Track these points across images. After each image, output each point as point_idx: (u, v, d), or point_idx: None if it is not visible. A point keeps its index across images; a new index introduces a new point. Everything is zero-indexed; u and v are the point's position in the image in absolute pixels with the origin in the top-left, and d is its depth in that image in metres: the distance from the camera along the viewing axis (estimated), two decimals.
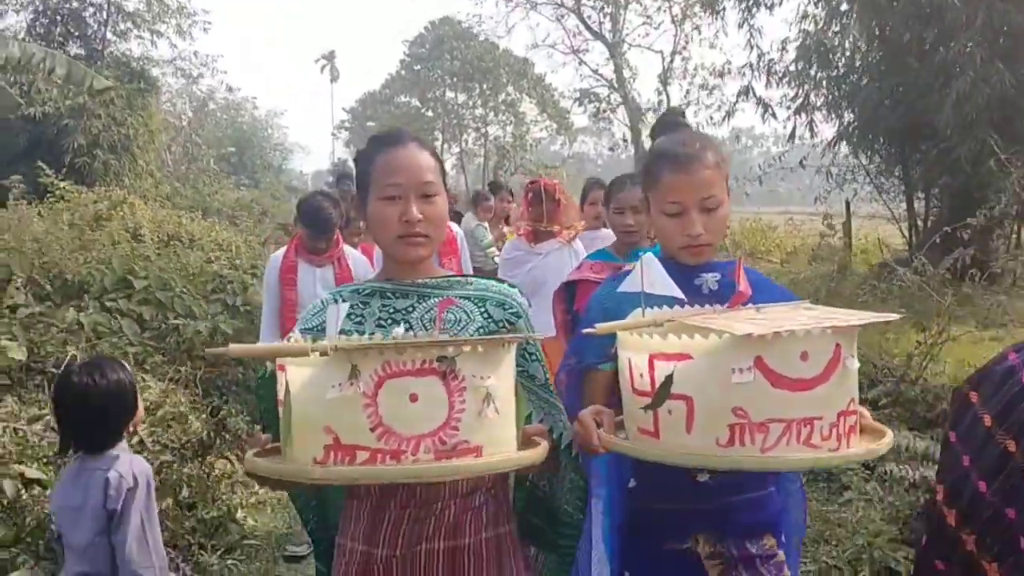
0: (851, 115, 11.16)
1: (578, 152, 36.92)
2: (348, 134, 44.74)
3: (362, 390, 1.40)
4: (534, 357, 1.94)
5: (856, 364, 1.55)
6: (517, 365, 1.73)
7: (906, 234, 11.59)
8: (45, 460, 4.11)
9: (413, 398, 1.42)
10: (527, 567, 1.88)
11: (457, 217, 7.66)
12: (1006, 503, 1.40)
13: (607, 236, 5.02)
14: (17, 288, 5.81)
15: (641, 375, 1.59)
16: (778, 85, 11.67)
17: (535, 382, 1.94)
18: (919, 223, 11.49)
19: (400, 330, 1.67)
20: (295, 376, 1.46)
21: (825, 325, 1.48)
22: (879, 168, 11.55)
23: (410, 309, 1.83)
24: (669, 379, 1.52)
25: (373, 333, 1.77)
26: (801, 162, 12.27)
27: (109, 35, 17.21)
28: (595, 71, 21.43)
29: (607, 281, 2.18)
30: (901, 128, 10.56)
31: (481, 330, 1.84)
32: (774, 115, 11.99)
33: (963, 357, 5.94)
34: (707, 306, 1.80)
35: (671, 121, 2.49)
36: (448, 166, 40.51)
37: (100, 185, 13.44)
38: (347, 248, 4.91)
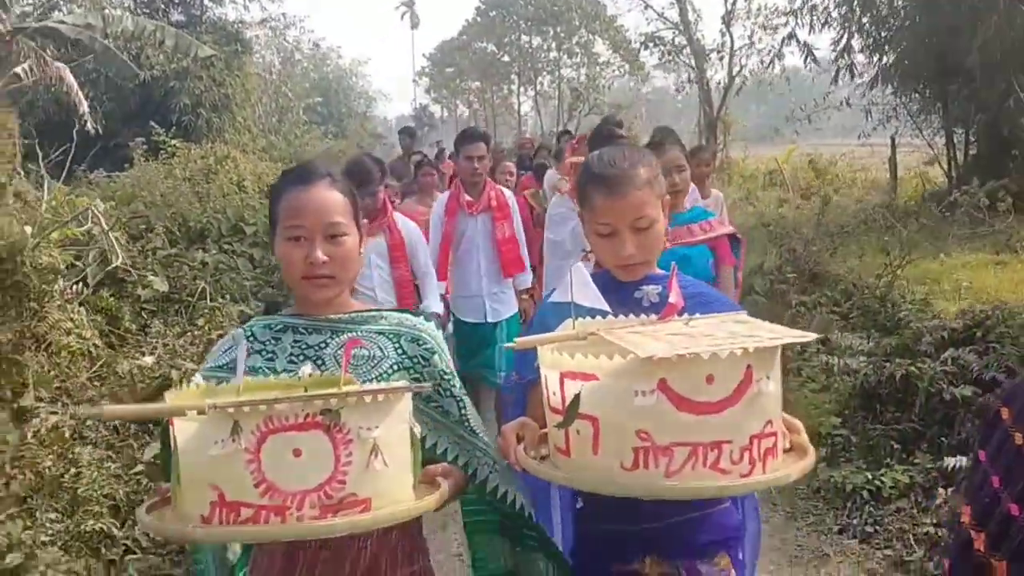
0: (890, 56, 11.88)
1: (659, 87, 37.27)
2: (428, 80, 46.05)
3: (244, 446, 1.39)
4: (449, 393, 1.91)
5: (773, 385, 1.51)
6: (431, 400, 1.84)
7: (945, 168, 12.33)
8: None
9: (297, 453, 1.41)
10: None
11: (541, 170, 8.01)
12: None
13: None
14: (156, 234, 7.31)
15: (554, 393, 1.57)
16: (821, 30, 12.46)
17: (449, 418, 1.91)
18: (958, 157, 12.21)
19: (308, 368, 1.68)
20: (181, 430, 1.44)
21: (734, 347, 1.44)
22: (919, 106, 12.27)
23: (323, 345, 1.83)
24: (576, 398, 1.51)
25: (289, 371, 1.76)
26: (847, 101, 13.07)
27: (207, 2, 18.75)
28: (660, 14, 22.11)
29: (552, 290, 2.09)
30: (937, 69, 11.28)
31: (396, 366, 1.83)
32: (815, 60, 12.76)
33: (959, 278, 6.90)
34: (643, 316, 1.79)
35: (606, 133, 2.86)
36: (526, 108, 41.60)
37: (205, 141, 15.03)
38: (399, 217, 4.96)
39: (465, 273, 5.35)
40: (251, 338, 1.85)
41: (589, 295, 1.74)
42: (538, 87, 36.44)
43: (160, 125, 14.21)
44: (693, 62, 20.41)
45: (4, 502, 3.66)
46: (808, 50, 12.91)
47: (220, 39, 16.55)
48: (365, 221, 4.72)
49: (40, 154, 9.95)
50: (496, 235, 5.29)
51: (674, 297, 1.71)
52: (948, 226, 9.48)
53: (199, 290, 6.72)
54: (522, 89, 38.24)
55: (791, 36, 12.99)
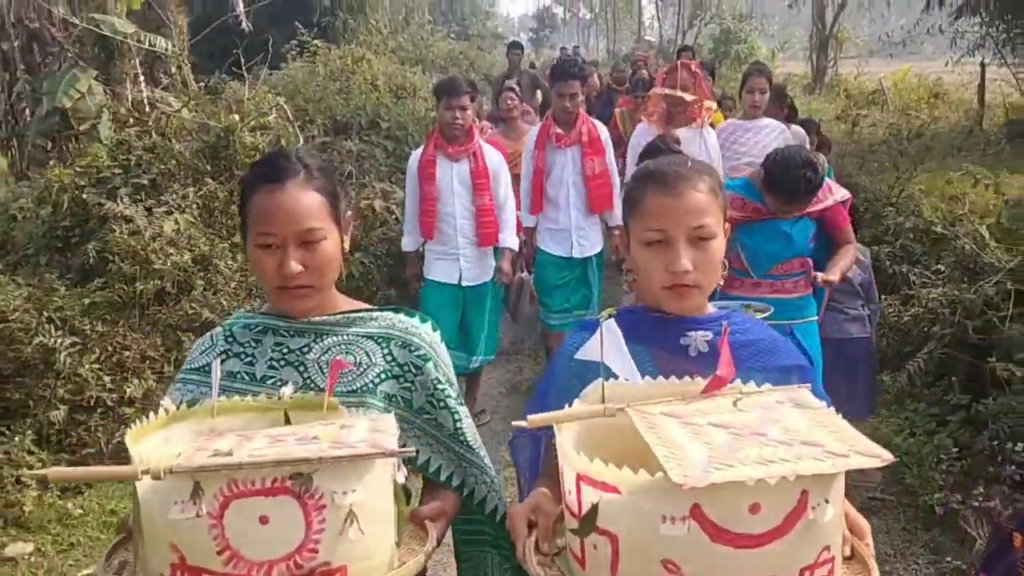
0: None
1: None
2: None
3: (206, 510, 1.29)
4: (443, 404, 1.81)
5: (833, 510, 1.26)
6: (424, 412, 1.77)
7: None
8: None
9: (263, 520, 1.31)
10: None
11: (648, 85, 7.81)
12: None
13: (763, 126, 5.45)
14: (315, 125, 9.43)
15: (569, 491, 1.35)
16: None
17: (443, 432, 1.81)
18: None
19: (288, 389, 1.61)
20: (144, 487, 1.33)
21: (783, 471, 1.17)
22: (1006, 37, 13.29)
23: (306, 350, 1.75)
24: (595, 509, 1.29)
25: (269, 378, 1.72)
26: (939, 28, 14.14)
27: None
28: None
29: (577, 331, 1.85)
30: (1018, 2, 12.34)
31: (384, 375, 1.76)
32: None
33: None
34: (687, 379, 1.51)
35: (656, 147, 2.66)
36: (647, 15, 42.08)
37: (341, 42, 17.08)
38: (485, 144, 5.25)
39: (554, 206, 5.48)
40: (230, 338, 1.79)
41: (620, 360, 1.57)
42: None
43: (303, 26, 16.33)
44: None
45: None
46: None
47: None
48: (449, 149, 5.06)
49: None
50: (585, 170, 5.37)
51: (723, 369, 1.46)
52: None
53: (347, 172, 8.81)
54: None
55: None
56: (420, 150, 5.21)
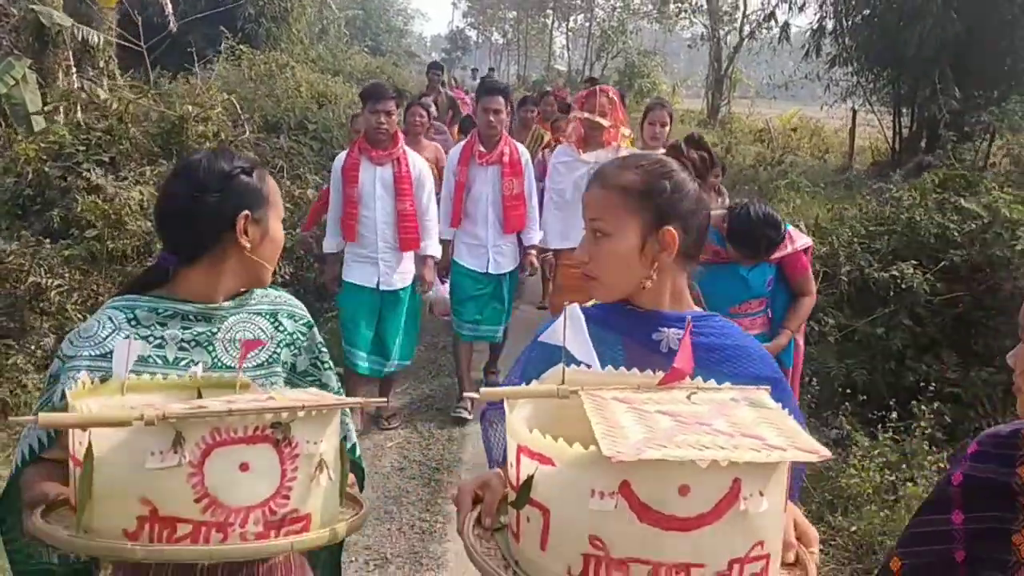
0: (852, 40, 14.75)
1: (677, 39, 39.16)
2: (467, 4, 48.57)
3: (187, 459, 1.35)
4: (326, 366, 2.03)
5: (769, 503, 1.24)
6: (308, 375, 1.99)
7: (890, 141, 15.27)
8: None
9: (244, 467, 1.39)
10: None
11: (566, 108, 8.42)
12: None
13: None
14: (249, 121, 10.43)
15: (511, 464, 1.36)
16: (800, 11, 15.36)
17: (329, 391, 1.97)
18: (903, 132, 15.13)
19: (199, 369, 1.70)
20: (101, 438, 1.37)
21: (716, 456, 1.18)
22: (873, 86, 15.17)
23: (213, 332, 1.85)
24: (530, 481, 1.29)
25: (180, 360, 1.78)
26: (818, 75, 15.99)
27: None
28: None
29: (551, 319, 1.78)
30: (887, 56, 14.17)
31: (279, 344, 1.94)
32: (788, 39, 15.69)
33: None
34: (648, 372, 1.51)
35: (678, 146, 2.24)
36: (558, 45, 44.07)
37: (265, 48, 18.00)
38: (409, 150, 5.30)
39: (472, 222, 5.64)
40: (133, 321, 1.81)
41: (581, 346, 1.52)
42: (571, 24, 39.10)
43: (228, 31, 17.21)
44: (708, 21, 23.15)
45: None
46: (784, 28, 15.89)
47: None
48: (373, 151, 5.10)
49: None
50: (504, 190, 5.55)
51: (680, 361, 1.47)
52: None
53: (279, 167, 9.82)
54: (556, 24, 40.89)
55: (771, 16, 15.92)
56: (344, 153, 5.28)
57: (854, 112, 16.14)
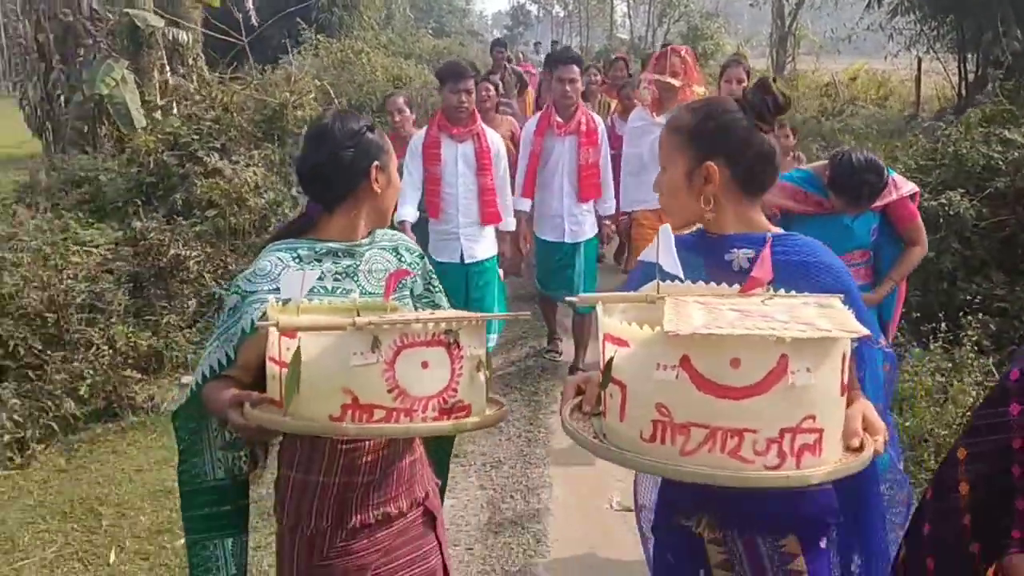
0: None
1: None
2: None
3: (383, 358, 1.72)
4: (437, 289, 2.41)
5: (819, 379, 1.44)
6: (423, 297, 2.36)
7: (956, 87, 15.44)
8: None
9: (424, 365, 1.76)
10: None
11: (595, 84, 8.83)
12: None
13: None
14: (339, 104, 11.25)
15: (600, 354, 1.63)
16: None
17: (443, 310, 2.32)
18: (968, 77, 15.30)
19: (356, 295, 2.04)
20: (310, 344, 1.72)
21: (764, 333, 1.40)
22: (936, 33, 15.35)
23: (356, 266, 2.21)
24: (610, 363, 1.56)
25: (337, 289, 2.14)
26: (880, 25, 16.21)
27: None
28: None
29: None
30: (949, 1, 14.37)
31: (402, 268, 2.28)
32: None
33: None
34: (724, 286, 1.75)
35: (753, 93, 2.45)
36: (619, 14, 44.11)
37: (337, 37, 18.87)
38: (486, 127, 5.42)
39: (548, 192, 5.75)
40: (297, 259, 2.14)
41: (668, 259, 1.71)
42: None
43: (303, 21, 18.12)
44: None
45: None
46: None
47: None
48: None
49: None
50: (580, 159, 5.66)
51: (758, 271, 1.69)
52: None
53: None
54: None
55: None
56: (422, 132, 5.32)
57: (919, 60, 16.29)
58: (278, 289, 2.02)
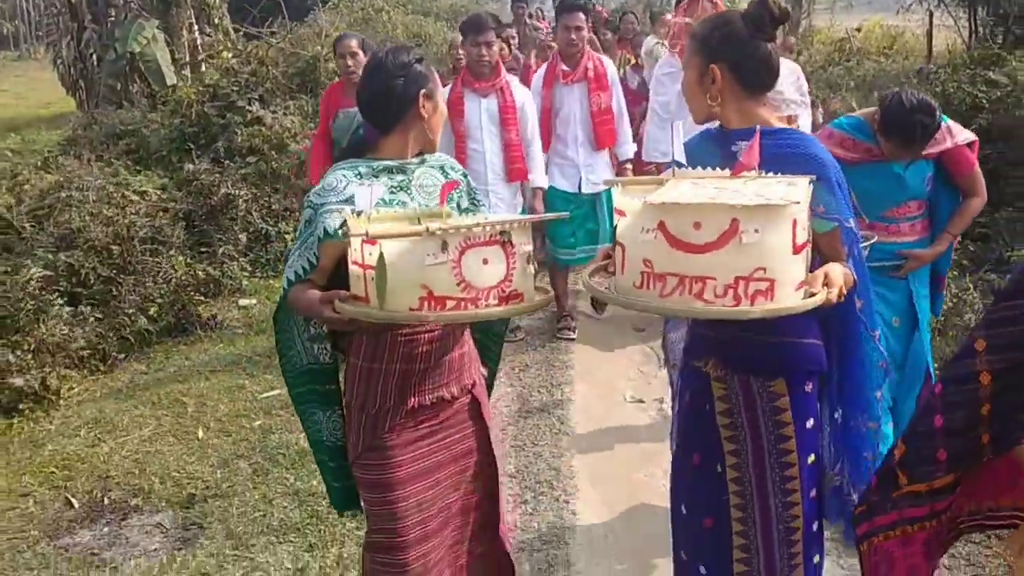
0: None
1: None
2: None
3: (451, 258, 2.05)
4: (480, 203, 2.68)
5: (769, 238, 1.83)
6: (468, 211, 2.60)
7: (966, 41, 15.86)
8: None
9: (485, 261, 2.10)
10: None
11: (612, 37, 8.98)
12: None
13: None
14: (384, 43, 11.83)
15: (614, 223, 2.11)
16: None
17: None
18: (979, 30, 15.72)
19: (416, 205, 2.42)
20: (390, 248, 2.03)
21: (718, 201, 1.84)
22: None
23: (409, 180, 2.47)
24: (615, 229, 2.07)
25: (393, 200, 2.40)
26: None
27: None
28: None
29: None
30: None
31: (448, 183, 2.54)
32: None
33: None
34: (727, 171, 2.14)
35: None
36: None
37: None
38: (511, 78, 5.43)
39: (563, 142, 5.68)
40: (358, 176, 2.42)
41: (678, 149, 2.26)
42: None
43: None
44: None
45: None
46: None
47: None
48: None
49: None
50: (592, 106, 5.58)
51: (745, 157, 2.11)
52: None
53: None
54: None
55: None
56: (447, 88, 5.13)
57: (931, 13, 16.69)
58: (345, 200, 2.32)
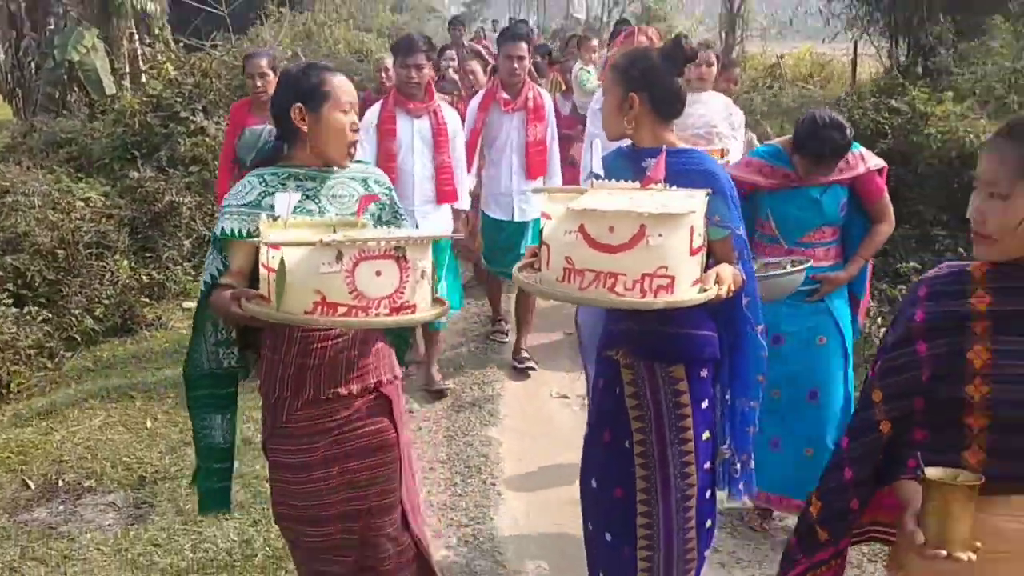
0: None
1: None
2: None
3: (344, 267, 2.18)
4: (402, 216, 2.82)
5: (671, 241, 2.21)
6: (390, 224, 2.74)
7: (888, 70, 16.71)
8: None
9: (378, 273, 2.22)
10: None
11: (542, 62, 8.87)
12: None
13: (708, 100, 5.19)
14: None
15: (542, 225, 2.42)
16: None
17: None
18: (900, 60, 16.58)
19: (332, 214, 2.55)
20: (290, 254, 2.18)
21: (629, 209, 2.20)
22: (870, 17, 16.61)
23: (318, 189, 2.59)
24: (541, 231, 2.39)
25: (298, 207, 2.45)
26: (820, 9, 17.46)
27: None
28: None
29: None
30: None
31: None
32: None
33: None
34: (636, 184, 2.51)
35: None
36: None
37: (299, 10, 19.62)
38: (443, 102, 5.42)
39: (497, 170, 5.75)
40: (263, 182, 2.54)
41: (596, 163, 2.62)
42: None
43: None
44: None
45: None
46: None
47: None
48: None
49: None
50: (528, 136, 5.66)
51: (652, 172, 2.49)
52: None
53: None
54: None
55: None
56: (377, 107, 5.19)
57: (855, 43, 17.54)
58: (246, 204, 2.49)
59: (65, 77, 13.05)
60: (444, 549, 3.74)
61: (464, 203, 5.47)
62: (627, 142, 2.79)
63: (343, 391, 2.60)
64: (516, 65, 5.55)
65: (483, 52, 10.69)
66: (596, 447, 2.89)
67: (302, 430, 2.59)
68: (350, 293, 2.21)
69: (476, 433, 4.81)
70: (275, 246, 2.21)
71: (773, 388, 3.48)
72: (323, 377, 2.57)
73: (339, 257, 2.19)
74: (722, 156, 5.19)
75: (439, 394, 5.30)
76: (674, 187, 2.46)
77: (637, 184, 2.50)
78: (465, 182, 5.47)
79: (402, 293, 2.28)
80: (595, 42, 8.45)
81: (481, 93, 5.79)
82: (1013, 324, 1.76)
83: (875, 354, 1.98)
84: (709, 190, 2.49)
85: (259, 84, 5.18)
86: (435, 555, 3.11)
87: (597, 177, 2.57)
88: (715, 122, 5.15)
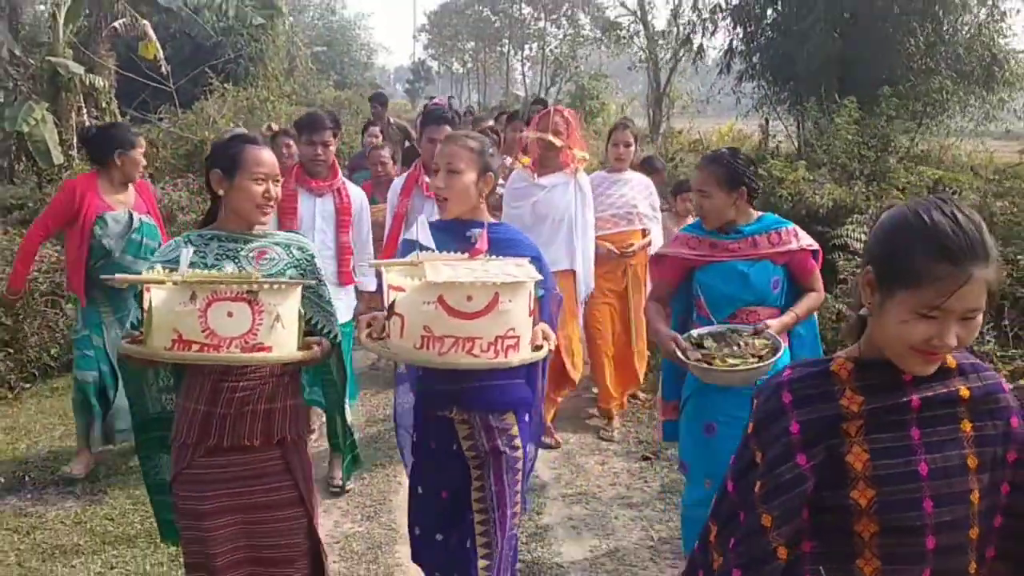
0: (757, 59, 17.78)
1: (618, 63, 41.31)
2: (428, 37, 51.69)
3: (198, 307, 2.34)
4: (322, 282, 2.99)
5: (517, 306, 2.52)
6: (310, 288, 2.88)
7: (796, 148, 18.25)
8: None
9: (230, 314, 2.38)
10: (307, 423, 3.01)
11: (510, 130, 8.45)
12: None
13: (629, 180, 5.57)
14: None
15: (387, 297, 2.58)
16: (711, 36, 18.60)
17: (323, 300, 2.98)
18: (805, 138, 18.11)
19: (230, 267, 2.67)
20: (155, 295, 2.36)
21: (485, 280, 2.44)
22: (777, 98, 18.19)
23: (239, 250, 2.78)
24: (393, 302, 2.52)
25: (215, 265, 2.67)
26: (732, 89, 19.02)
27: None
28: (622, 2, 27.98)
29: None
30: (786, 71, 17.17)
31: (288, 265, 2.86)
32: (702, 57, 18.97)
33: None
34: (459, 253, 2.78)
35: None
36: (516, 72, 47.23)
37: (243, 86, 20.73)
38: (348, 182, 5.27)
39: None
40: (187, 243, 2.76)
41: (425, 236, 2.83)
42: (526, 52, 42.30)
43: (211, 71, 19.95)
44: (645, 45, 26.22)
45: None
46: (700, 50, 19.16)
47: (258, 3, 22.33)
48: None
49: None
50: None
51: (479, 244, 2.77)
52: None
53: None
54: (512, 52, 44.08)
55: (687, 40, 19.23)
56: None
57: (766, 121, 19.10)
58: (168, 260, 2.71)
59: (14, 147, 13.91)
60: None
61: (370, 284, 5.32)
62: (436, 216, 3.17)
63: (247, 442, 2.78)
64: (437, 148, 5.20)
65: (408, 128, 11.25)
66: (428, 505, 3.21)
67: (202, 477, 2.77)
68: (203, 331, 2.43)
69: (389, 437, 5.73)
70: (147, 288, 2.49)
71: (706, 479, 3.54)
72: (228, 426, 2.74)
73: (193, 297, 2.44)
74: (643, 236, 5.65)
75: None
76: (495, 256, 2.85)
77: (465, 255, 2.83)
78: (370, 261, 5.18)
79: (255, 334, 2.49)
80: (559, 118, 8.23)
81: (404, 177, 5.54)
82: (884, 422, 1.73)
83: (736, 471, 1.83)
84: (532, 256, 2.91)
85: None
86: None
87: (423, 249, 2.88)
88: (636, 202, 5.39)
